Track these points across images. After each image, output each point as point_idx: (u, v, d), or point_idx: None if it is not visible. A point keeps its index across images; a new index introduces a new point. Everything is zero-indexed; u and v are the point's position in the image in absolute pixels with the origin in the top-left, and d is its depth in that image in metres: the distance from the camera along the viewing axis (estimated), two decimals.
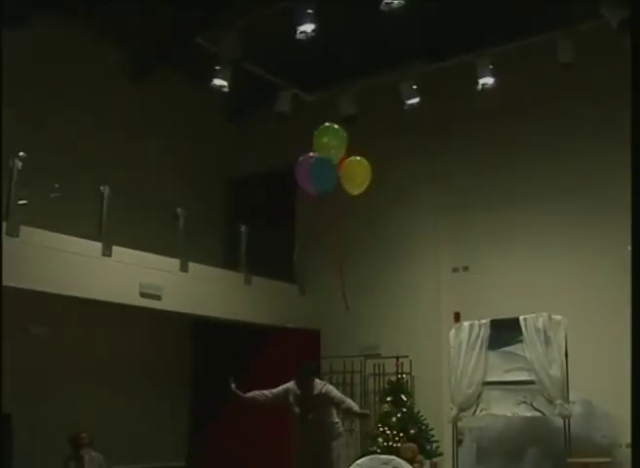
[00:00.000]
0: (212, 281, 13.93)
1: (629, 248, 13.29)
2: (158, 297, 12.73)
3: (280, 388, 9.69)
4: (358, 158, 9.26)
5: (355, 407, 9.63)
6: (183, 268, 13.37)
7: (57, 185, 12.40)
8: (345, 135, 9.12)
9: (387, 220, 15.14)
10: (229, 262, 15.25)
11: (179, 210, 13.51)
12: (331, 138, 9.07)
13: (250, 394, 9.72)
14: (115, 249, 12.13)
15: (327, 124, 9.21)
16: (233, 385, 9.61)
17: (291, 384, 9.62)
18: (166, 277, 12.95)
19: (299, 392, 9.52)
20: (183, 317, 14.45)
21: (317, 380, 9.66)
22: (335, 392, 9.60)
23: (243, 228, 14.85)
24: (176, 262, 13.29)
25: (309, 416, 9.37)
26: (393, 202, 14.99)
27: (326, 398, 9.41)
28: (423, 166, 15.13)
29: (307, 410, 9.40)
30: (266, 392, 9.71)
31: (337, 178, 9.00)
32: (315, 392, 9.42)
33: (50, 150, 12.77)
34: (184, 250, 13.46)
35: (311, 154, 8.98)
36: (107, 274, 11.94)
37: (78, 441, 10.88)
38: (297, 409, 9.50)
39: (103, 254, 11.93)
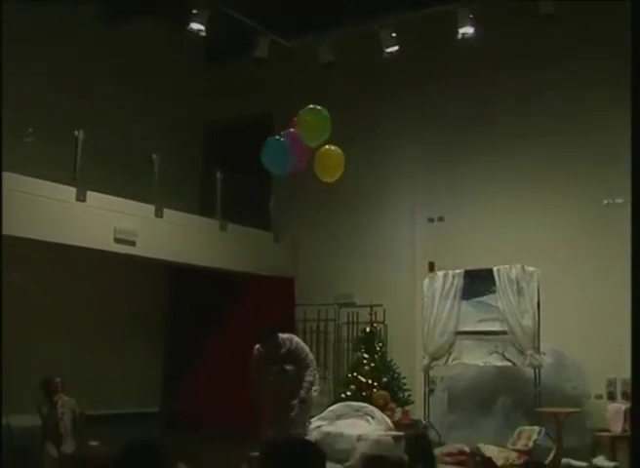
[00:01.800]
0: (187, 227, 13.88)
1: (605, 202, 13.42)
2: (132, 243, 12.69)
3: (252, 361, 9.38)
4: (333, 148, 9.08)
5: (307, 387, 9.17)
6: (158, 214, 13.32)
7: (30, 130, 12.24)
8: (330, 123, 8.81)
9: (363, 171, 15.08)
10: (205, 209, 15.19)
11: (154, 156, 13.43)
12: (315, 119, 8.81)
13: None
14: (90, 194, 12.05)
15: (317, 107, 8.87)
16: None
17: (256, 349, 9.37)
18: (141, 223, 12.90)
19: (264, 352, 9.28)
20: (158, 263, 14.44)
21: (283, 336, 9.37)
22: (304, 354, 9.32)
23: (219, 175, 14.77)
24: (150, 208, 13.22)
25: (280, 373, 9.17)
26: (369, 152, 14.92)
27: (295, 355, 9.22)
28: (400, 116, 15.04)
29: (277, 367, 9.25)
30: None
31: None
32: (283, 350, 9.21)
33: (23, 95, 12.57)
34: (159, 196, 13.38)
35: (291, 130, 8.80)
36: (81, 219, 11.87)
37: (51, 386, 10.81)
38: (268, 369, 9.26)
39: (77, 199, 11.85)
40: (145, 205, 13.16)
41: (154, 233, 13.17)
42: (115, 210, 12.47)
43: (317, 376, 9.51)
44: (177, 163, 14.61)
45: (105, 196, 12.41)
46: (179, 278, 15.93)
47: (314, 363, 9.47)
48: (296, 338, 9.63)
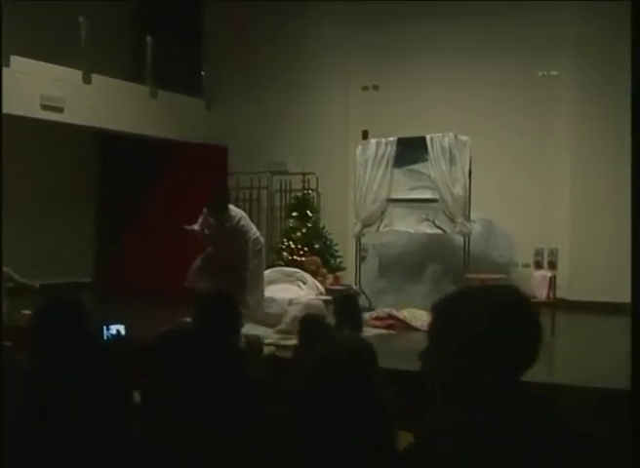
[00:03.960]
0: (116, 93, 13.56)
1: (540, 73, 13.41)
2: (60, 110, 12.39)
3: (200, 219, 9.42)
4: None
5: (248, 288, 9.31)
6: (86, 80, 12.97)
7: None
8: None
9: (296, 37, 14.80)
10: (135, 75, 14.84)
11: (81, 18, 12.95)
12: None
13: (190, 229, 9.33)
14: (14, 58, 11.65)
15: None
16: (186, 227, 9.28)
17: (205, 213, 9.39)
18: (68, 89, 12.56)
19: (212, 221, 9.32)
20: (88, 131, 14.16)
21: (235, 210, 9.46)
22: (248, 235, 9.38)
23: (149, 39, 14.36)
24: (78, 74, 12.86)
25: (222, 246, 9.28)
26: (300, 16, 14.62)
27: (239, 234, 9.27)
28: None
29: (220, 240, 9.32)
30: (196, 226, 9.37)
31: None
32: (228, 224, 9.24)
33: None
34: (88, 61, 13.00)
35: None
36: (6, 86, 11.48)
37: None
38: (210, 238, 9.38)
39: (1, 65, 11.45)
40: (73, 70, 12.77)
41: (83, 99, 12.83)
42: (41, 75, 12.10)
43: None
44: (105, 26, 14.10)
45: (31, 61, 12.01)
46: (109, 146, 15.68)
47: (260, 251, 9.59)
48: (246, 218, 9.62)
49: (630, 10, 2.76)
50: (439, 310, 2.12)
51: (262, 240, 9.87)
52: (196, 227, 9.37)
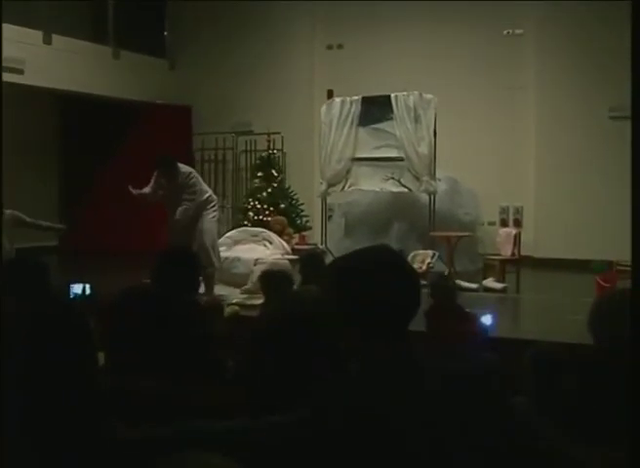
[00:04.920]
0: (78, 54, 13.38)
1: (505, 32, 13.43)
2: (20, 71, 12.23)
3: (152, 182, 9.48)
4: None
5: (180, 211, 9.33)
6: (46, 40, 12.80)
7: None
8: None
9: None
10: (97, 35, 14.64)
11: None
12: None
13: (138, 192, 9.42)
14: None
15: None
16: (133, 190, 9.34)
17: (156, 174, 9.46)
18: (28, 50, 12.37)
19: (163, 181, 9.40)
20: (49, 92, 13.99)
21: (184, 167, 9.51)
22: (197, 188, 9.43)
23: None
24: (38, 34, 12.68)
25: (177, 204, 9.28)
26: None
27: (189, 188, 9.33)
28: None
29: (175, 198, 9.33)
30: (146, 189, 9.45)
31: None
32: (179, 180, 9.29)
33: None
34: (48, 21, 12.81)
35: None
36: None
37: None
38: (167, 198, 9.44)
39: None
40: (33, 31, 12.59)
41: (43, 61, 12.66)
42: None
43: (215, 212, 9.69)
44: None
45: None
46: (71, 108, 15.51)
47: (210, 199, 9.61)
48: (195, 174, 9.68)
49: (630, 10, 2.76)
50: (331, 268, 2.30)
51: (215, 197, 9.89)
52: (147, 190, 9.45)
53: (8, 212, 8.49)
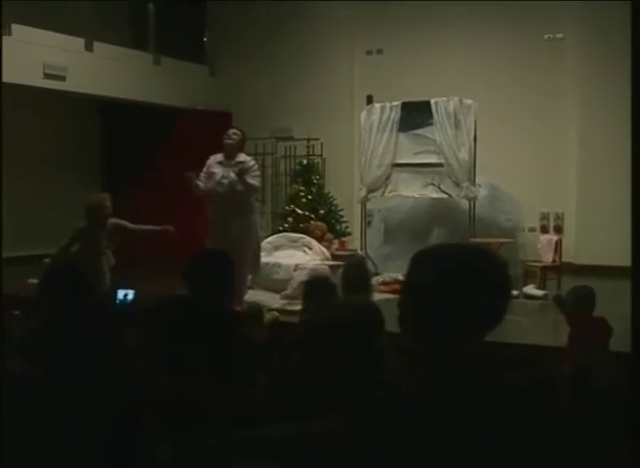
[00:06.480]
0: (119, 61, 13.48)
1: (546, 36, 13.35)
2: (63, 78, 12.34)
3: (204, 168, 9.25)
4: None
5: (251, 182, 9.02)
6: (89, 47, 12.90)
7: None
8: None
9: (301, 4, 14.69)
10: (138, 42, 14.75)
11: None
12: None
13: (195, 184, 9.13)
14: (16, 27, 11.57)
15: None
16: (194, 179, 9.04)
17: (211, 159, 9.27)
18: (70, 57, 12.49)
19: (221, 164, 9.15)
20: (91, 99, 14.11)
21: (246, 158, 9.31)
22: (251, 172, 9.16)
23: (151, 5, 14.28)
24: (80, 41, 12.78)
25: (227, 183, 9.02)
26: None
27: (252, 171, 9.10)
28: None
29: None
30: (201, 179, 9.16)
31: None
32: (241, 164, 9.06)
33: None
34: (90, 28, 12.93)
35: None
36: (7, 54, 11.41)
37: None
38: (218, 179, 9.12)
39: (3, 33, 11.39)
40: (75, 38, 12.70)
41: (85, 67, 12.76)
42: (43, 44, 12.02)
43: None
44: None
45: (33, 29, 11.93)
46: (112, 115, 15.64)
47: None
48: (253, 165, 9.42)
49: (630, 10, 2.74)
50: (415, 261, 2.17)
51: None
52: (200, 184, 9.13)
53: (111, 221, 8.24)
